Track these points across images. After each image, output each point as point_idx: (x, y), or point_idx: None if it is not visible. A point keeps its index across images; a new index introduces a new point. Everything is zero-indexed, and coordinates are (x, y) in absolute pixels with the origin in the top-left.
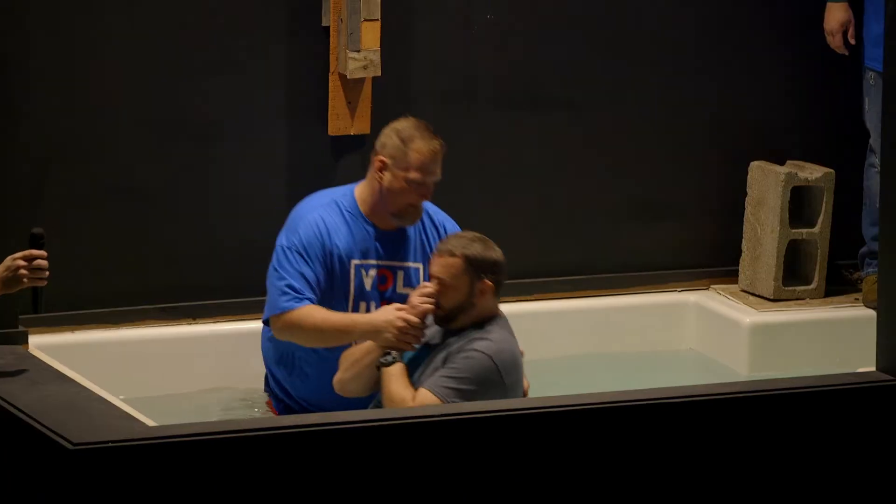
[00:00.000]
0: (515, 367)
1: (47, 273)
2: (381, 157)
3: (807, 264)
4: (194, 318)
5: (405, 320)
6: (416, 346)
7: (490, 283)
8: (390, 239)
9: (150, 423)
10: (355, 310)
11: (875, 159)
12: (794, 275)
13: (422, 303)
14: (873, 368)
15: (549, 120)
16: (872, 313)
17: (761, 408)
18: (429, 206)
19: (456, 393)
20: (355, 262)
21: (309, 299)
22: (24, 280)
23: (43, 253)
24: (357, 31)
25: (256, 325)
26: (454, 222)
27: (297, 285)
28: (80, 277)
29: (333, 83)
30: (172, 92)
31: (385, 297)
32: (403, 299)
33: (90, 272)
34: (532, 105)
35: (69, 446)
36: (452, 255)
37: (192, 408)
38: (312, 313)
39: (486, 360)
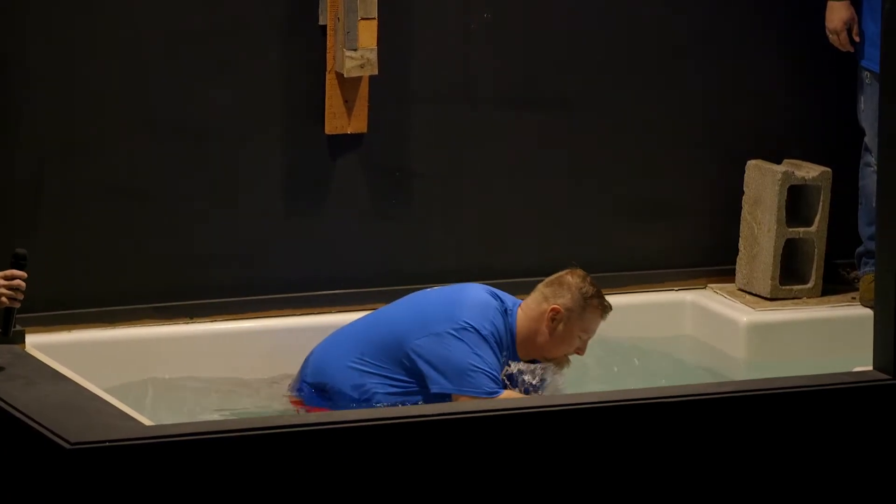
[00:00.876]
0: None
1: (22, 296)
2: (558, 308)
3: (804, 263)
4: (191, 318)
5: None
6: None
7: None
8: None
9: (147, 422)
10: None
11: (871, 158)
12: (791, 274)
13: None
14: (870, 367)
15: (546, 119)
16: (869, 312)
17: (758, 407)
18: None
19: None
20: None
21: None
22: (3, 299)
23: (23, 274)
24: (354, 30)
25: (253, 323)
26: None
27: (496, 373)
28: (76, 277)
29: (330, 82)
30: (169, 91)
31: None
32: None
33: (87, 271)
34: (529, 104)
35: (66, 446)
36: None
37: (188, 407)
38: (510, 399)
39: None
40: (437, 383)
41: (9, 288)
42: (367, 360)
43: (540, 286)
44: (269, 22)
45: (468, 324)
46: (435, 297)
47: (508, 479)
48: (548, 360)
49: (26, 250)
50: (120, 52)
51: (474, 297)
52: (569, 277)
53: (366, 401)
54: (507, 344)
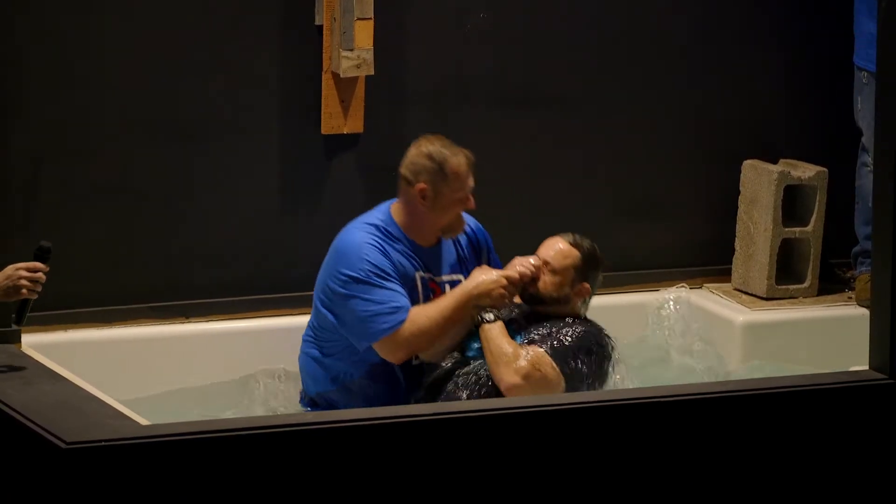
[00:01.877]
0: (606, 359)
1: (41, 288)
2: (421, 186)
3: (800, 263)
4: (187, 317)
5: (508, 278)
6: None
7: (588, 287)
8: (433, 255)
9: (143, 421)
10: None
11: (867, 158)
12: (787, 273)
13: (526, 268)
14: (866, 367)
15: (542, 119)
16: (865, 312)
17: (754, 406)
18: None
19: (566, 363)
20: (420, 274)
21: (406, 307)
22: (24, 291)
23: (45, 267)
24: (350, 30)
25: (249, 323)
26: (479, 225)
27: (392, 303)
28: (72, 276)
29: (326, 82)
30: (166, 90)
31: None
32: None
33: (83, 271)
34: (525, 104)
35: (62, 445)
36: (573, 246)
37: (184, 406)
38: (417, 317)
39: (598, 333)
40: (354, 341)
41: (30, 280)
42: (310, 338)
43: (400, 172)
44: (265, 22)
45: (345, 274)
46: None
47: (507, 479)
48: (443, 230)
49: (51, 244)
50: (115, 52)
51: (344, 241)
52: (414, 153)
53: (350, 391)
54: (403, 247)
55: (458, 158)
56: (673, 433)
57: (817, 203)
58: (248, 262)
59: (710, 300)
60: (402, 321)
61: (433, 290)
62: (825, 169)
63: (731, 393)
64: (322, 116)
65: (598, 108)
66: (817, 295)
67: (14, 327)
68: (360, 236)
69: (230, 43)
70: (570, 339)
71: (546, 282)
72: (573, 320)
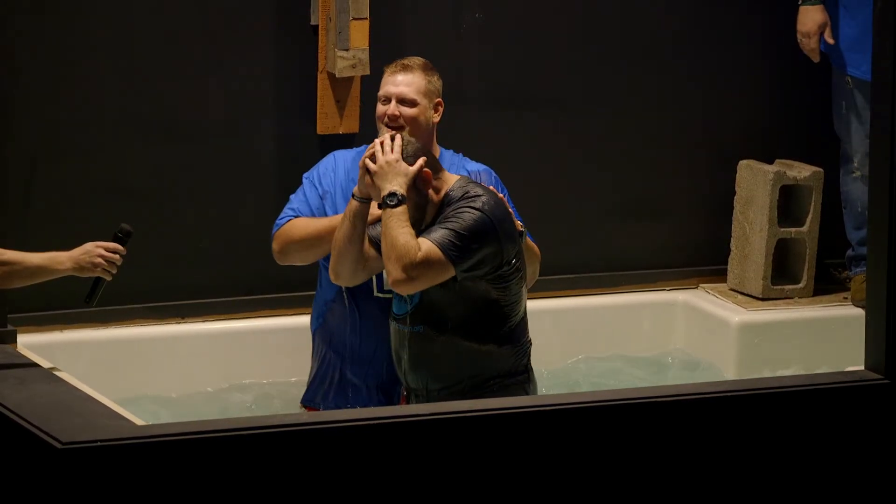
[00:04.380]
0: (507, 216)
1: (116, 270)
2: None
3: (795, 263)
4: (183, 317)
5: (366, 159)
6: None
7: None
8: None
9: (138, 422)
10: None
11: (851, 164)
12: (782, 274)
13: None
14: (862, 367)
15: (538, 119)
16: (861, 312)
17: (750, 407)
18: (465, 159)
19: (457, 248)
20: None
21: (294, 215)
22: (99, 269)
23: (123, 250)
24: (346, 30)
25: (245, 323)
26: (490, 171)
27: (292, 205)
28: (68, 276)
29: (322, 82)
30: (161, 91)
31: None
32: None
33: None
34: (520, 104)
35: (58, 445)
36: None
37: (180, 407)
38: (297, 222)
39: (482, 217)
40: None
41: (107, 260)
42: None
43: None
44: (260, 22)
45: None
46: None
47: (505, 479)
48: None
49: (132, 228)
50: (111, 53)
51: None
52: None
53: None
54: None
55: (389, 65)
56: (669, 433)
57: (813, 203)
58: (244, 263)
59: (706, 300)
60: (283, 223)
61: None
62: (821, 169)
63: (726, 393)
64: (318, 116)
65: (594, 108)
66: (813, 295)
67: (86, 305)
68: (335, 152)
69: (225, 43)
70: (459, 226)
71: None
72: (465, 190)
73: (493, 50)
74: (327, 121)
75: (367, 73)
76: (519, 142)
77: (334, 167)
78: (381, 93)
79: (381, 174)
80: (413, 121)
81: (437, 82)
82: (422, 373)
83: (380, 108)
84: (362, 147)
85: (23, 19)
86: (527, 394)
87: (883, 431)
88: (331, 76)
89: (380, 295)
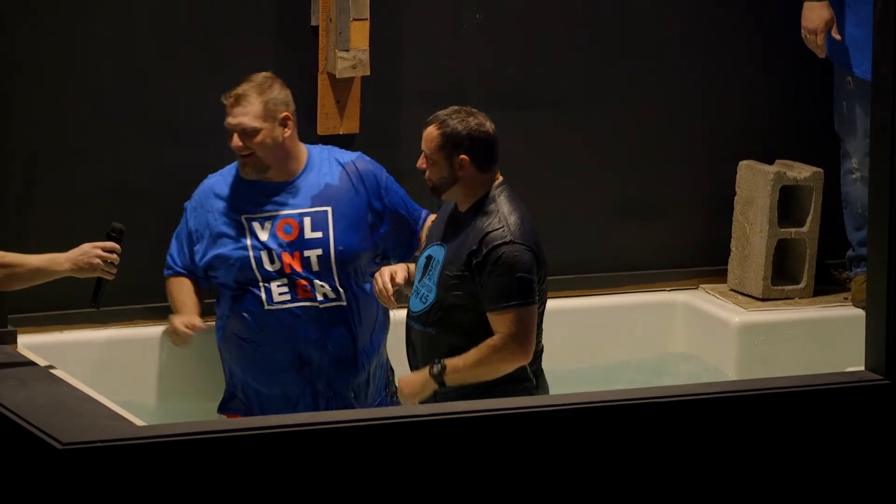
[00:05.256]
0: (534, 231)
1: (115, 270)
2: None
3: (796, 264)
4: None
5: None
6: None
7: (466, 157)
8: (284, 190)
9: (138, 422)
10: (258, 260)
11: (851, 164)
12: (782, 274)
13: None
14: (862, 368)
15: (538, 120)
16: (861, 312)
17: (750, 407)
18: (336, 151)
19: (522, 294)
20: (245, 216)
21: (173, 268)
22: (98, 270)
23: (119, 249)
24: (346, 31)
25: None
26: (363, 156)
27: (174, 255)
28: (69, 277)
29: (322, 82)
30: (162, 91)
31: (295, 244)
32: (316, 242)
33: None
34: (520, 105)
35: (58, 446)
36: (436, 126)
37: (180, 407)
38: (170, 285)
39: (518, 248)
40: None
41: (103, 260)
42: None
43: None
44: (261, 23)
45: None
46: None
47: (506, 480)
48: None
49: (124, 226)
50: (111, 54)
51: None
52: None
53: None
54: (240, 178)
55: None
56: (668, 434)
57: (813, 204)
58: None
59: (706, 301)
60: (167, 275)
61: (290, 226)
62: (821, 170)
63: (726, 394)
64: (318, 117)
65: (594, 108)
66: (813, 296)
67: (91, 307)
68: (212, 175)
69: (226, 44)
70: (506, 278)
71: (428, 172)
72: (486, 222)
73: (493, 50)
74: (328, 121)
75: (368, 73)
76: (519, 142)
77: (202, 200)
78: (225, 124)
79: (411, 396)
80: (260, 146)
81: (278, 96)
82: None
83: (230, 139)
84: (231, 166)
85: (23, 20)
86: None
87: (883, 432)
88: (331, 77)
89: (272, 308)
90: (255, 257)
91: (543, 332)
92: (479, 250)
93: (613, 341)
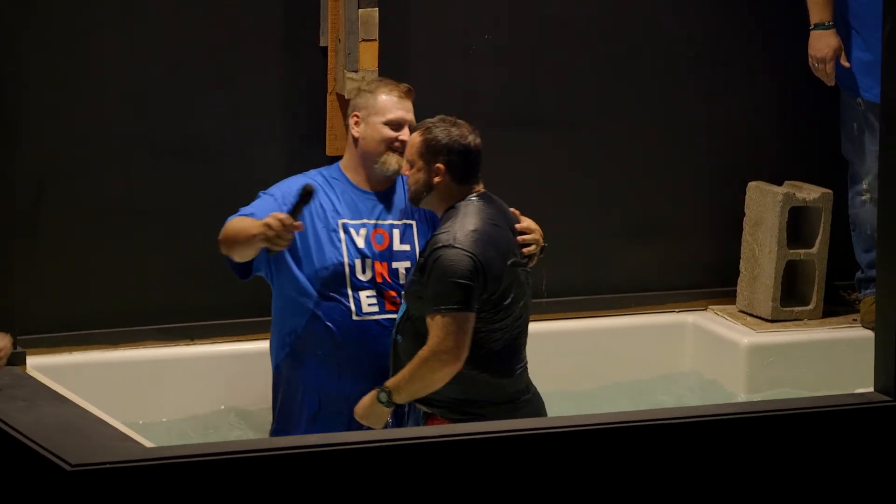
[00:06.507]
0: (489, 242)
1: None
2: (355, 114)
3: (805, 285)
4: (192, 339)
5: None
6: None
7: (442, 166)
8: (378, 200)
9: (148, 444)
10: (351, 268)
11: (860, 186)
12: (791, 295)
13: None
14: (871, 389)
15: (547, 140)
16: (870, 334)
17: (759, 429)
18: None
19: (454, 299)
20: (342, 221)
21: (239, 215)
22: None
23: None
24: (355, 52)
25: (255, 345)
26: None
27: (245, 209)
28: (77, 298)
29: (331, 103)
30: (170, 112)
31: (385, 254)
32: (403, 255)
33: (88, 292)
34: (529, 125)
35: (67, 467)
36: (420, 131)
37: (190, 429)
38: (232, 220)
39: (457, 253)
40: None
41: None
42: None
43: None
44: (269, 43)
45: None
46: None
47: (505, 501)
48: (377, 162)
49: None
50: (119, 73)
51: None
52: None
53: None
54: (336, 184)
55: (390, 86)
56: (677, 455)
57: (822, 225)
58: (254, 284)
59: (715, 322)
60: (237, 216)
61: (381, 236)
62: (830, 191)
63: (735, 415)
64: (327, 138)
65: (603, 129)
66: (822, 317)
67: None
68: (295, 177)
69: (235, 64)
70: (441, 282)
71: (409, 178)
72: (439, 231)
73: (501, 71)
74: (336, 142)
75: None
76: (527, 162)
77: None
78: (391, 117)
79: (363, 419)
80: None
81: None
82: None
83: (388, 132)
84: (315, 171)
85: (29, 39)
86: None
87: (893, 454)
88: (340, 98)
89: (359, 318)
90: (349, 264)
91: (551, 354)
92: (427, 255)
93: (622, 362)
